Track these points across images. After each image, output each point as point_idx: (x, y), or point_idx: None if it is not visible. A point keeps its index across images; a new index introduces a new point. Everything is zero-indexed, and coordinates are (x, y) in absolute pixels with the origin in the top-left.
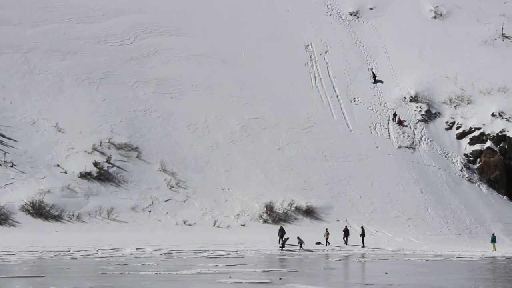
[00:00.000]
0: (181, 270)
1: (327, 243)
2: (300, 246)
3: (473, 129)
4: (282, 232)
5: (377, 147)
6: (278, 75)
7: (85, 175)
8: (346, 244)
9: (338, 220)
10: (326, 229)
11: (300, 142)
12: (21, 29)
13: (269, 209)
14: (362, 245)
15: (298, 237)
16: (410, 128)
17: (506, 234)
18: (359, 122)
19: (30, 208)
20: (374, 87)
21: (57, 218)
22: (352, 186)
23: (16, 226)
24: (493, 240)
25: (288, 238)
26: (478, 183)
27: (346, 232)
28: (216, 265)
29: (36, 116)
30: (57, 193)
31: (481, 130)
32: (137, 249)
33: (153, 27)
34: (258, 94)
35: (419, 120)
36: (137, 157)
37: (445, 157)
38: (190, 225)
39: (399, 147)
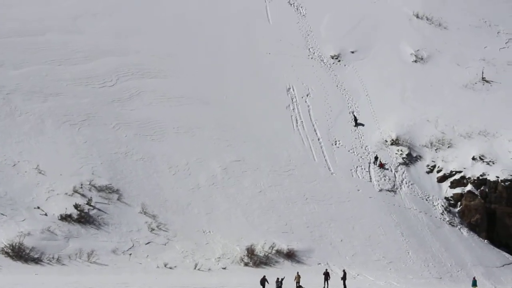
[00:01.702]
0: None
1: (298, 287)
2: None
3: (453, 172)
4: (264, 281)
5: (358, 190)
6: (260, 117)
7: (65, 218)
8: (327, 287)
9: (319, 263)
10: (297, 273)
11: (281, 185)
12: (3, 71)
13: (250, 252)
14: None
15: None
16: (391, 171)
17: (487, 277)
18: (340, 165)
19: (9, 250)
20: (355, 130)
21: (37, 261)
22: (333, 229)
23: None
24: (474, 284)
25: (283, 278)
26: (459, 226)
27: (327, 276)
28: None
29: (17, 158)
30: (37, 236)
31: (461, 174)
32: None
33: (135, 69)
34: (239, 136)
35: (400, 163)
36: (118, 199)
37: (426, 200)
38: (171, 268)
39: (380, 190)
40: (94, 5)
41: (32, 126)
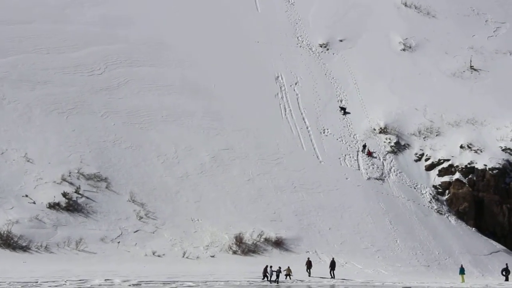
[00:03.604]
0: None
1: (289, 277)
2: (274, 277)
3: (441, 160)
4: (266, 271)
5: (346, 179)
6: (248, 106)
7: (53, 206)
8: (309, 276)
9: (308, 252)
10: (288, 267)
11: (270, 173)
12: None
13: (239, 240)
14: (331, 276)
15: (273, 269)
16: (380, 159)
17: (475, 265)
18: (328, 153)
19: None
20: (344, 118)
21: (25, 249)
22: (322, 218)
23: None
24: (462, 271)
25: (279, 270)
26: (447, 214)
27: (309, 264)
28: None
29: (5, 146)
30: (25, 224)
31: (449, 162)
32: (105, 280)
33: (123, 57)
34: (228, 125)
35: (388, 152)
36: (106, 187)
37: (414, 188)
38: (159, 256)
39: (369, 178)
40: None
41: (20, 114)
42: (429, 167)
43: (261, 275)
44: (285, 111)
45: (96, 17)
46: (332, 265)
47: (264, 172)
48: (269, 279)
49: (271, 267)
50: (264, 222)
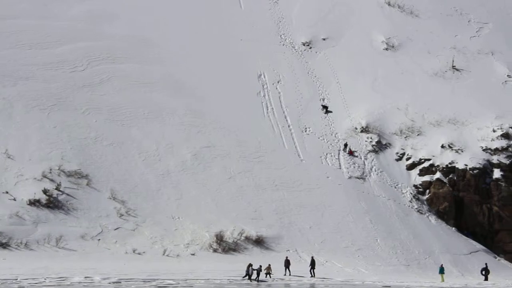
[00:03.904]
0: None
1: (269, 275)
2: (254, 276)
3: (422, 160)
4: (248, 269)
5: (327, 177)
6: (230, 104)
7: (34, 203)
8: (289, 274)
9: (288, 250)
10: (269, 265)
11: (251, 171)
12: None
13: (219, 238)
14: (311, 275)
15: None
16: (361, 158)
17: (454, 265)
18: (310, 152)
19: None
20: (326, 117)
21: (4, 245)
22: (303, 216)
23: None
24: (441, 271)
25: (260, 269)
26: (427, 214)
27: (287, 262)
28: None
29: None
30: (5, 221)
31: (430, 162)
32: (85, 277)
33: (106, 54)
34: (210, 122)
35: (369, 151)
36: (87, 184)
37: (395, 188)
38: (139, 253)
39: (350, 177)
40: None
41: (1, 110)
42: (410, 167)
43: (244, 273)
44: (267, 109)
45: (81, 13)
46: (312, 264)
47: (245, 170)
48: (249, 277)
49: (251, 265)
50: (244, 220)
